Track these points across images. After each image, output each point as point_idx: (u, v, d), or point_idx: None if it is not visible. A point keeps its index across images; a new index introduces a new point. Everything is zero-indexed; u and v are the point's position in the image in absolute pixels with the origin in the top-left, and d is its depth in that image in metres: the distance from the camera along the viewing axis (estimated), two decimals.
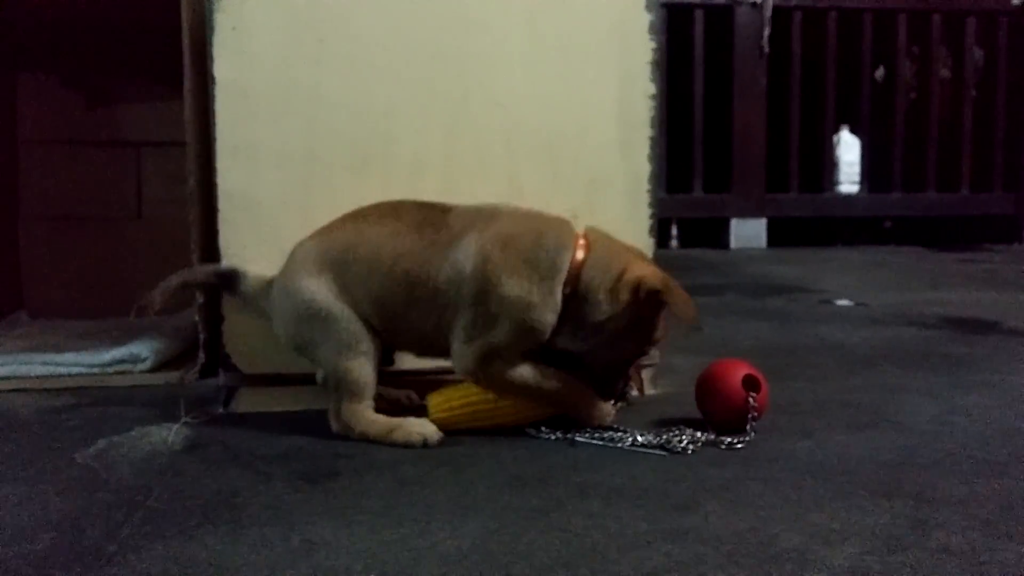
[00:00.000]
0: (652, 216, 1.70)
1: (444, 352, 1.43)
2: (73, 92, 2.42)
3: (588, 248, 1.40)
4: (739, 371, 1.43)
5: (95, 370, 1.86)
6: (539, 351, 1.41)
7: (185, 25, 1.70)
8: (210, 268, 1.57)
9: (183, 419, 1.51)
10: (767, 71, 5.00)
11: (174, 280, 1.53)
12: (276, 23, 1.58)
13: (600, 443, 1.39)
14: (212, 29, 1.56)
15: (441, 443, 1.38)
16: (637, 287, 1.35)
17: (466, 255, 1.38)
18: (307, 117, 1.60)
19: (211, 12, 1.56)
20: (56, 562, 0.98)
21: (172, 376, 1.85)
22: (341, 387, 1.41)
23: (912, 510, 1.10)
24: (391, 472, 1.27)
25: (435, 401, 1.45)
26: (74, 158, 2.44)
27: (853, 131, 5.20)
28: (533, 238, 1.39)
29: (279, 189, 1.59)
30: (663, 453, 1.35)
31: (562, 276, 1.38)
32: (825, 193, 5.21)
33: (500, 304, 1.35)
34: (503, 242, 1.37)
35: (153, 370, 1.88)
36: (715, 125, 5.04)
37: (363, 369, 1.41)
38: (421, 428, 1.39)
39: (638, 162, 1.69)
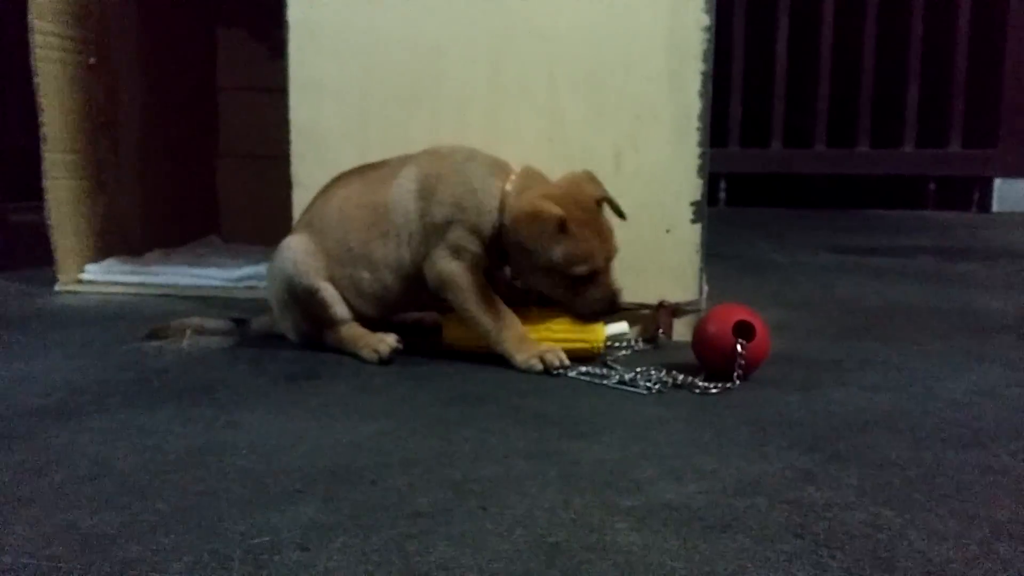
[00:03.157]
0: (701, 156, 1.61)
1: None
2: (259, 44, 2.76)
3: (519, 181, 1.45)
4: (734, 316, 1.35)
5: (228, 284, 2.16)
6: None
7: None
8: (223, 320, 1.71)
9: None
10: None
11: (195, 321, 1.69)
12: None
13: (587, 379, 1.38)
14: None
15: (392, 357, 1.48)
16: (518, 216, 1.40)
17: (407, 177, 1.51)
18: (364, 54, 1.72)
19: None
20: (49, 413, 1.21)
21: None
22: (321, 310, 1.53)
23: (811, 466, 1.00)
24: (361, 381, 1.38)
25: (449, 324, 1.53)
26: (261, 103, 2.77)
27: None
28: (466, 155, 1.50)
29: (340, 123, 1.74)
30: (634, 390, 1.32)
31: (492, 196, 1.44)
32: None
33: (441, 209, 1.46)
34: (439, 158, 1.52)
35: None
36: (980, 69, 4.42)
37: (331, 291, 1.54)
38: (376, 343, 1.49)
39: (688, 97, 1.61)
